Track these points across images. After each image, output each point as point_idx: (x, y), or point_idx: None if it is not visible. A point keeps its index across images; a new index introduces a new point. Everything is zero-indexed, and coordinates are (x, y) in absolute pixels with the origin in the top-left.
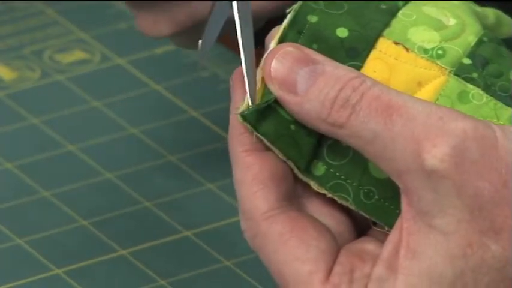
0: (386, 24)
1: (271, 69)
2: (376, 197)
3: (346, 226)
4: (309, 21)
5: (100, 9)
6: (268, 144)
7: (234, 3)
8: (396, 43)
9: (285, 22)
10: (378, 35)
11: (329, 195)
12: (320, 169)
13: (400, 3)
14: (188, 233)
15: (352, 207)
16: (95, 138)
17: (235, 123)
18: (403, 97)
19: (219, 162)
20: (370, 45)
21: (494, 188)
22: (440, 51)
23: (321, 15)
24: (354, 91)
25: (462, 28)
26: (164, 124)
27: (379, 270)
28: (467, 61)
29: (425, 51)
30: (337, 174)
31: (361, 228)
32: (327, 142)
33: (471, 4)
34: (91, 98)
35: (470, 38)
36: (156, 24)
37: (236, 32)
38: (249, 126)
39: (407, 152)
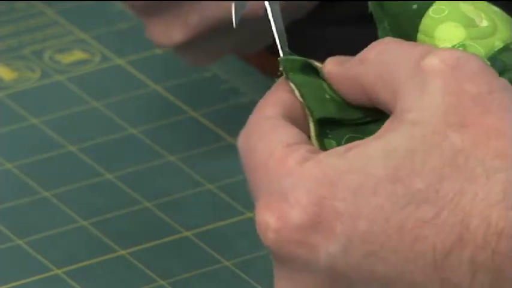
0: (416, 30)
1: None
2: None
3: None
4: None
5: (100, 9)
6: (297, 93)
7: (266, 3)
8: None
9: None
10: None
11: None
12: (331, 146)
13: None
14: (188, 233)
15: None
16: (95, 138)
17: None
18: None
19: (219, 162)
20: None
21: (478, 91)
22: (461, 48)
23: None
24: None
25: (492, 32)
26: (164, 124)
27: (337, 147)
28: (486, 62)
29: None
30: None
31: None
32: (349, 133)
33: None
34: (91, 98)
35: (497, 42)
36: (168, 30)
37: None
38: (284, 72)
39: (413, 59)
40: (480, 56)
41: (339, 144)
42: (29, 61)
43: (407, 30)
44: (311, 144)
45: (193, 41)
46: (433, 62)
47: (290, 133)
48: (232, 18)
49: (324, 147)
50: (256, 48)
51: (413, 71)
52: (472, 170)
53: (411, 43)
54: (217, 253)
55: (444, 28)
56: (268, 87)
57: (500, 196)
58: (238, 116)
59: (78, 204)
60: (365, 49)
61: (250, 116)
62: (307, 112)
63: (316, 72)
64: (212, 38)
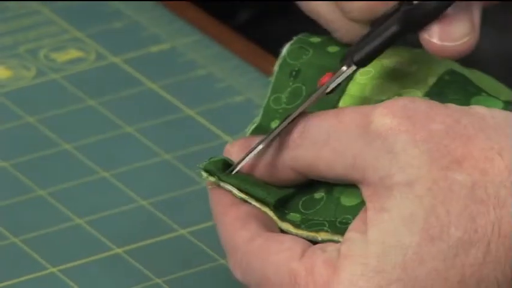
0: (343, 92)
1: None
2: (352, 221)
3: None
4: (273, 127)
5: (95, 8)
6: (237, 192)
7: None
8: None
9: (248, 129)
10: (334, 107)
11: (306, 234)
12: (296, 217)
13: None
14: (184, 232)
15: (329, 235)
16: (90, 136)
17: (209, 183)
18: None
19: None
20: None
21: (447, 125)
22: (396, 97)
23: (282, 116)
24: (304, 122)
25: (424, 72)
26: (160, 122)
27: (349, 234)
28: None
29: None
30: (314, 218)
31: None
32: (301, 198)
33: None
34: (86, 96)
35: (430, 79)
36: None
37: None
38: (212, 178)
39: (357, 131)
40: (417, 96)
41: (299, 212)
42: (24, 60)
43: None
44: (303, 240)
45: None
46: (384, 121)
47: (283, 242)
48: None
49: (290, 221)
50: None
51: (365, 138)
52: (496, 195)
53: (333, 112)
54: (213, 251)
55: (373, 87)
56: (264, 86)
57: None
58: (233, 114)
59: (74, 203)
60: (276, 135)
61: (227, 246)
62: (259, 205)
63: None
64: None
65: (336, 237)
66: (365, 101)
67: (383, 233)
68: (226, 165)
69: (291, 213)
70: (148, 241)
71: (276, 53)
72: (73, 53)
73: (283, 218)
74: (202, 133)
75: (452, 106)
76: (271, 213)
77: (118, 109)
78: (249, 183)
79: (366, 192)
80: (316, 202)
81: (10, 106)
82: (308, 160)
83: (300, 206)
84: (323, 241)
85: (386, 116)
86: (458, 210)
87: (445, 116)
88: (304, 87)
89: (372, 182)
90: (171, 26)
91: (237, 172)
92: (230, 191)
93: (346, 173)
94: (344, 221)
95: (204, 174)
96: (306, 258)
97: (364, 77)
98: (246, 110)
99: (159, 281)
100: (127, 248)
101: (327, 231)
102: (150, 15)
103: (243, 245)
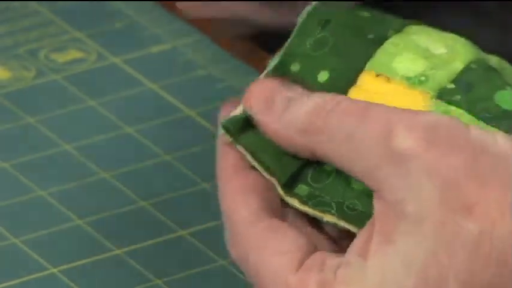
0: (370, 56)
1: (252, 95)
2: (360, 208)
3: (328, 247)
4: (292, 70)
5: (95, 8)
6: (250, 158)
7: None
8: (378, 75)
9: (267, 69)
10: (360, 70)
11: (311, 212)
12: (303, 190)
13: (390, 32)
14: (184, 233)
15: (334, 219)
16: (90, 137)
17: (220, 141)
18: (381, 103)
19: (215, 161)
20: (350, 82)
21: (465, 163)
22: (422, 78)
23: (303, 61)
24: (331, 100)
25: (451, 56)
26: (160, 123)
27: (349, 256)
28: (450, 85)
29: (408, 79)
30: (322, 195)
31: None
32: (310, 169)
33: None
34: (87, 97)
35: (458, 64)
36: None
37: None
38: (229, 137)
39: (379, 138)
40: (443, 81)
41: (307, 184)
42: (24, 60)
43: (354, 55)
44: (303, 239)
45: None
46: (405, 144)
47: (283, 242)
48: None
49: (296, 194)
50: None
51: (386, 150)
52: (501, 251)
53: (360, 109)
54: (213, 252)
55: (401, 60)
56: None
57: None
58: None
59: (74, 203)
60: (304, 113)
61: (225, 218)
62: (268, 176)
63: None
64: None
65: (341, 223)
66: (392, 71)
67: (383, 267)
68: (247, 124)
69: (299, 185)
70: (148, 242)
71: (274, 53)
72: (73, 54)
73: (290, 191)
74: (202, 133)
75: (474, 138)
76: (278, 188)
77: (118, 109)
78: (264, 151)
79: (377, 205)
80: (325, 175)
81: (10, 107)
82: (324, 151)
83: (309, 178)
84: (328, 223)
85: (407, 137)
86: (461, 262)
87: (465, 151)
88: (331, 39)
89: (386, 200)
90: (171, 26)
91: (255, 133)
92: (243, 155)
93: (363, 178)
94: (351, 206)
95: (222, 131)
96: (302, 273)
97: (393, 48)
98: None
99: (159, 282)
100: (127, 248)
101: (333, 214)
102: (150, 16)
103: (241, 225)
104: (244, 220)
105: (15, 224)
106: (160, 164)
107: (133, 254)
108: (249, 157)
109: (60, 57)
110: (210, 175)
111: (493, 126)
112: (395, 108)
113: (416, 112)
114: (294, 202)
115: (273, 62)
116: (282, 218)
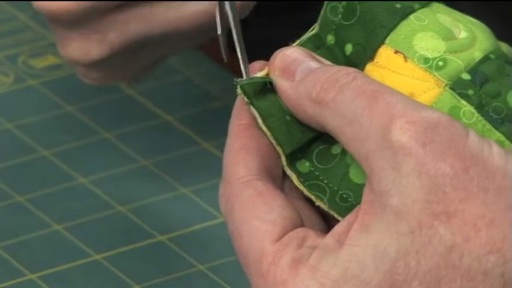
0: (392, 29)
1: (277, 59)
2: (352, 201)
3: (317, 224)
4: (328, 43)
5: None
6: (261, 122)
7: (227, 3)
8: (396, 52)
9: (301, 38)
10: (380, 43)
11: (306, 193)
12: (305, 167)
13: (417, 4)
14: (162, 238)
15: (325, 208)
16: (68, 143)
17: (239, 99)
18: (392, 90)
19: (193, 166)
20: (368, 57)
21: (455, 171)
22: (440, 63)
23: (337, 32)
24: (346, 75)
25: (471, 42)
26: (138, 128)
27: (327, 240)
28: (466, 76)
29: (426, 60)
30: (320, 177)
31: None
32: (318, 147)
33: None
34: (64, 102)
35: (477, 53)
36: (85, 46)
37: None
38: (245, 98)
39: (380, 128)
40: (459, 69)
41: (310, 161)
42: (2, 66)
43: (378, 25)
44: (291, 211)
45: (110, 59)
46: (402, 139)
47: (270, 209)
48: (153, 33)
49: (296, 170)
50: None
51: (383, 140)
52: (469, 267)
53: (370, 93)
54: (191, 257)
55: (423, 37)
56: None
57: None
58: (211, 120)
59: (52, 209)
60: (319, 84)
61: (224, 172)
62: (274, 143)
63: (273, 90)
64: (129, 56)
65: (331, 212)
66: (410, 49)
67: (352, 258)
68: (266, 89)
69: (303, 160)
70: (127, 247)
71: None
72: (51, 59)
73: (292, 164)
74: (180, 139)
75: (471, 147)
76: (282, 157)
77: (96, 115)
78: (276, 118)
79: (365, 194)
80: (331, 158)
81: None
82: (330, 126)
83: (314, 156)
84: (319, 206)
85: (405, 132)
86: (429, 267)
87: (458, 159)
88: (359, 6)
89: (374, 189)
90: None
91: (272, 100)
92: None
93: (359, 159)
94: (345, 196)
95: (240, 91)
96: (280, 245)
97: (417, 23)
98: (224, 116)
99: (137, 287)
100: (106, 254)
101: (325, 203)
102: None
103: (236, 183)
104: (240, 178)
105: None
106: (138, 169)
107: (112, 260)
108: (260, 121)
109: (38, 63)
110: (189, 180)
111: (497, 128)
112: (402, 98)
113: (421, 108)
114: (292, 177)
115: (310, 32)
116: (280, 186)
